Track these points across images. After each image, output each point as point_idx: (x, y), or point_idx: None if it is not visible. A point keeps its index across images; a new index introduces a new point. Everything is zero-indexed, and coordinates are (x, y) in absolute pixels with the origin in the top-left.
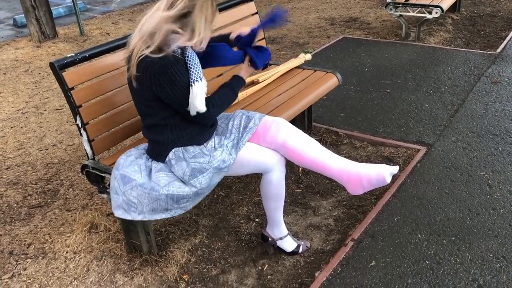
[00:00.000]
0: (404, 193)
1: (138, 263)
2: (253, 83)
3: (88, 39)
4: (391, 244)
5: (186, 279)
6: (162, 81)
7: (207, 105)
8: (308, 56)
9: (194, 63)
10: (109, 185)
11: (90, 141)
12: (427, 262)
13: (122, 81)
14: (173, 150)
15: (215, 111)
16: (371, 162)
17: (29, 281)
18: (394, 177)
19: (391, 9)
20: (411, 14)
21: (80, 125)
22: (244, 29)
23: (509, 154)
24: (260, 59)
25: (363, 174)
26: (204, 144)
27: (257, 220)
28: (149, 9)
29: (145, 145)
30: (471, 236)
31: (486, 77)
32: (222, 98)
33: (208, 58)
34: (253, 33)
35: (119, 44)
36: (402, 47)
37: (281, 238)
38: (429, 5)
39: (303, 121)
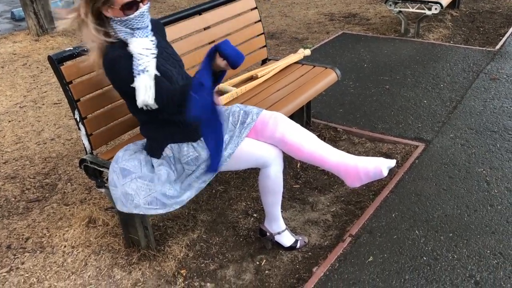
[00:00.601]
0: (402, 189)
1: (136, 257)
2: (251, 78)
3: None
4: (388, 240)
5: (184, 274)
6: (114, 77)
7: (167, 98)
8: (307, 52)
9: (135, 54)
10: (107, 179)
11: (88, 135)
12: (425, 258)
13: None
14: (168, 146)
15: (170, 104)
16: None
17: (27, 275)
18: (392, 173)
19: (390, 5)
20: (411, 10)
21: (78, 119)
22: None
23: (507, 151)
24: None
25: (361, 167)
26: (200, 139)
27: (255, 215)
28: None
29: (143, 141)
30: (468, 232)
31: (485, 74)
32: (179, 94)
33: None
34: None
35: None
36: (401, 43)
37: (279, 233)
38: (428, 1)
39: (301, 117)
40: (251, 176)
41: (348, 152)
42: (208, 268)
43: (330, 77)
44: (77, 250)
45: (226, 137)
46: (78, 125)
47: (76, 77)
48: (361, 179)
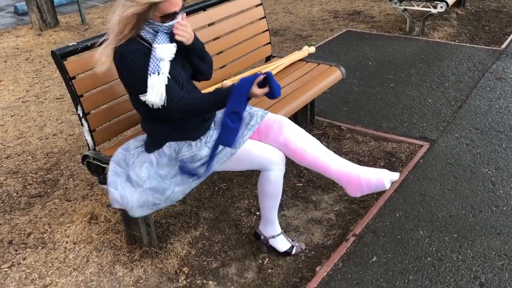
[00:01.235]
0: (407, 189)
1: (138, 254)
2: None
3: (90, 28)
4: (392, 240)
5: (186, 272)
6: (123, 69)
7: (170, 102)
8: (312, 49)
9: (153, 55)
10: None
11: (91, 131)
12: (429, 259)
13: None
14: (167, 144)
15: (177, 111)
16: (374, 157)
17: (29, 270)
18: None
19: (395, 2)
20: (416, 8)
21: (81, 115)
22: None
23: None
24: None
25: (363, 178)
26: (201, 138)
27: (257, 213)
28: None
29: (143, 136)
30: (473, 233)
31: (490, 73)
32: (193, 105)
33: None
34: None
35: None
36: (406, 42)
37: (273, 237)
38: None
39: (305, 115)
40: (254, 174)
41: (352, 150)
42: (210, 266)
43: (335, 75)
44: (78, 247)
45: None
46: (81, 120)
47: (79, 73)
48: (363, 189)
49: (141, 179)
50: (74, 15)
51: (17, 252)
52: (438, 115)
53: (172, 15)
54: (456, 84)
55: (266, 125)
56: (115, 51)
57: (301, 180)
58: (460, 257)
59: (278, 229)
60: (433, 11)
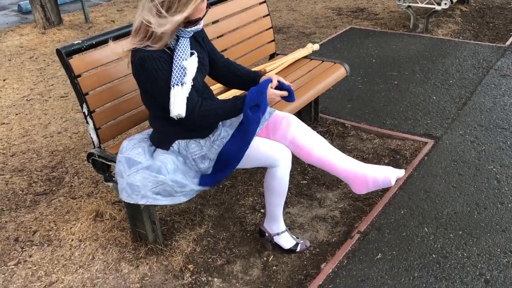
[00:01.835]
0: (411, 186)
1: (143, 252)
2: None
3: (93, 26)
4: (397, 237)
5: (191, 269)
6: (141, 73)
7: (191, 110)
8: (316, 46)
9: (178, 65)
10: (115, 173)
11: (96, 129)
12: (434, 256)
13: (129, 70)
14: (176, 141)
15: (198, 119)
16: (378, 154)
17: (35, 268)
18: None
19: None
20: (420, 5)
21: (86, 113)
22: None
23: None
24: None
25: (370, 176)
26: (209, 136)
27: (262, 210)
28: None
29: (149, 130)
30: (478, 230)
31: (495, 70)
32: (213, 111)
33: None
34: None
35: (126, 32)
36: (410, 39)
37: (278, 234)
38: None
39: (309, 112)
40: (258, 171)
41: (356, 148)
42: (216, 263)
43: (339, 72)
44: (84, 244)
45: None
46: (86, 118)
47: (84, 71)
48: (369, 187)
49: (166, 168)
50: (78, 13)
51: (23, 250)
52: (443, 112)
53: (196, 21)
54: (461, 81)
55: (274, 122)
56: (134, 53)
57: (305, 177)
58: (465, 254)
59: (282, 226)
60: (437, 8)
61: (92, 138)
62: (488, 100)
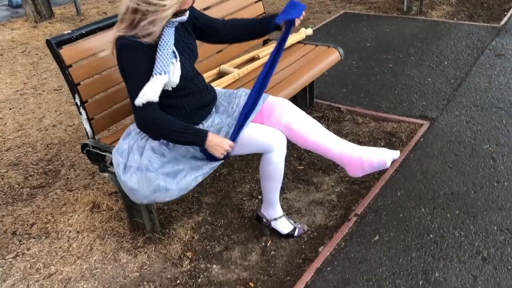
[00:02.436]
0: (408, 168)
1: (141, 241)
2: (253, 59)
3: (85, 19)
4: (394, 219)
5: (189, 256)
6: (119, 60)
7: (150, 110)
8: (309, 31)
9: (163, 54)
10: (110, 163)
11: (89, 119)
12: (431, 236)
13: None
14: None
15: (145, 118)
16: (374, 137)
17: (33, 260)
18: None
19: None
20: None
21: (79, 103)
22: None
23: None
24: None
25: (365, 159)
26: (203, 122)
27: (259, 197)
28: None
29: None
30: (475, 209)
31: (489, 50)
32: (164, 124)
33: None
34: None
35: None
36: (404, 22)
37: (275, 219)
38: None
39: (304, 98)
40: (254, 158)
41: (352, 132)
42: (214, 250)
43: (333, 56)
44: (82, 235)
45: (229, 121)
46: (79, 109)
47: (75, 61)
48: (365, 169)
49: (152, 165)
50: (69, 6)
51: (21, 243)
52: (438, 94)
53: (182, 12)
54: (456, 62)
55: (268, 108)
56: (117, 40)
57: (301, 163)
58: (462, 233)
59: (280, 211)
60: None
61: (86, 129)
62: (483, 80)
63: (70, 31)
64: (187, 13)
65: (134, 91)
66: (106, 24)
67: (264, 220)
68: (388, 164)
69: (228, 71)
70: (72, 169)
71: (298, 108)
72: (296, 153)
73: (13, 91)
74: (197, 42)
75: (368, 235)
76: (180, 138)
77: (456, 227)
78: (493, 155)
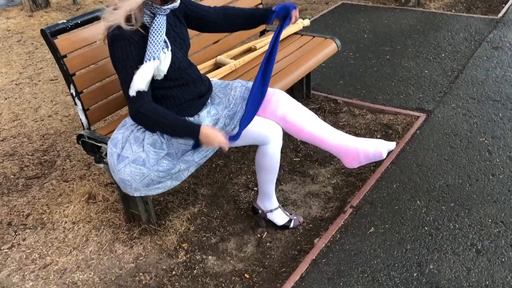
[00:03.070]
0: (404, 160)
1: (137, 232)
2: (250, 50)
3: (81, 8)
4: (390, 211)
5: (185, 248)
6: (111, 52)
7: (141, 102)
8: (306, 22)
9: (153, 40)
10: (105, 154)
11: (85, 110)
12: (426, 228)
13: None
14: None
15: (138, 109)
16: (370, 129)
17: (29, 251)
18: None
19: None
20: None
21: (74, 94)
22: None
23: (509, 120)
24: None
25: (361, 150)
26: (198, 113)
27: (255, 188)
28: None
29: None
30: (470, 202)
31: (487, 43)
32: (157, 116)
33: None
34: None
35: None
36: (401, 13)
37: (271, 211)
38: None
39: (301, 89)
40: (251, 150)
41: (348, 123)
42: (210, 241)
43: (330, 47)
44: (77, 226)
45: (226, 112)
46: (74, 100)
47: (70, 51)
48: (360, 160)
49: (149, 161)
50: None
51: (17, 233)
52: (435, 86)
53: None
54: (453, 54)
55: (264, 99)
56: (108, 31)
57: (298, 155)
58: (457, 226)
59: (275, 203)
60: None
61: (81, 120)
62: (480, 73)
63: (65, 21)
64: (178, 0)
65: (126, 83)
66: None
67: (260, 211)
68: (384, 155)
69: (225, 62)
70: (68, 160)
71: (294, 100)
72: (292, 145)
73: (8, 81)
74: (194, 32)
75: (364, 227)
76: (174, 131)
77: (451, 219)
78: (489, 148)
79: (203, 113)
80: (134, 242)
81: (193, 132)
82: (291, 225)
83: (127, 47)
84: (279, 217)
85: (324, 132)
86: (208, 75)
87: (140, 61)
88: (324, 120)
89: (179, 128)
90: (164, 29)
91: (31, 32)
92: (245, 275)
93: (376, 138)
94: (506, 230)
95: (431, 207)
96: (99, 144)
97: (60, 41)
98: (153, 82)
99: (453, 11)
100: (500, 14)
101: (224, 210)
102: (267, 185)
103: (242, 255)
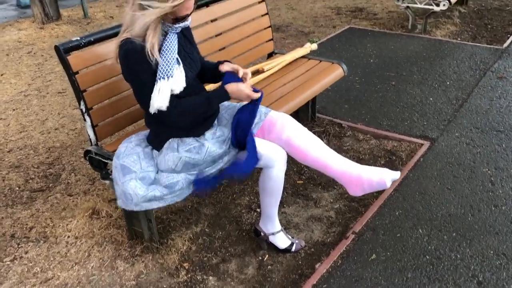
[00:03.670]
0: (406, 188)
1: (139, 249)
2: (257, 72)
3: (92, 22)
4: (392, 238)
5: (186, 267)
6: (124, 66)
7: (170, 109)
8: (314, 46)
9: (166, 58)
10: (112, 171)
11: (93, 126)
12: (428, 257)
13: None
14: (169, 140)
15: (175, 113)
16: (374, 155)
17: (31, 264)
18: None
19: (398, 0)
20: (418, 5)
21: (84, 110)
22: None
23: None
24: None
25: (365, 178)
26: (205, 133)
27: (258, 210)
28: None
29: (146, 131)
30: (472, 232)
31: (492, 72)
32: (189, 105)
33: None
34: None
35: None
36: (408, 39)
37: (273, 234)
38: None
39: (306, 112)
40: (255, 170)
41: (352, 148)
42: (211, 262)
43: (337, 72)
44: (80, 241)
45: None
46: (83, 116)
47: (82, 68)
48: (364, 189)
49: (150, 176)
50: (77, 8)
51: (19, 246)
52: (439, 114)
53: (184, 18)
54: (458, 82)
55: (269, 123)
56: (120, 46)
57: (301, 177)
58: (458, 256)
59: (278, 226)
60: (436, 9)
61: (89, 136)
62: (484, 102)
63: (78, 38)
64: (190, 18)
65: (141, 96)
66: (115, 32)
67: (262, 234)
68: (388, 185)
69: None
70: (72, 174)
71: (300, 124)
72: (296, 167)
73: (17, 92)
74: (198, 45)
75: (365, 254)
76: (210, 107)
77: (452, 249)
78: (491, 179)
79: (208, 135)
80: (136, 260)
81: (223, 97)
82: (293, 248)
83: (141, 60)
84: (281, 241)
85: (328, 158)
86: None
87: (154, 74)
88: (328, 144)
89: (212, 102)
90: (176, 48)
91: (42, 44)
92: None
93: (380, 164)
94: (507, 262)
95: (433, 236)
96: (106, 161)
97: (73, 58)
98: None
99: (459, 39)
100: (505, 45)
101: (226, 231)
102: (270, 208)
103: (242, 277)
